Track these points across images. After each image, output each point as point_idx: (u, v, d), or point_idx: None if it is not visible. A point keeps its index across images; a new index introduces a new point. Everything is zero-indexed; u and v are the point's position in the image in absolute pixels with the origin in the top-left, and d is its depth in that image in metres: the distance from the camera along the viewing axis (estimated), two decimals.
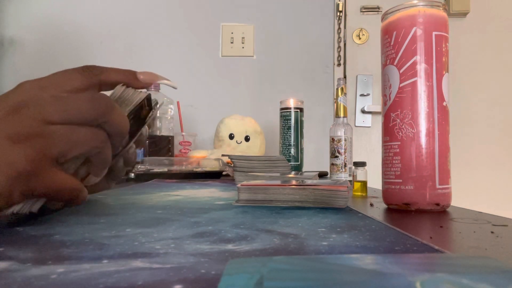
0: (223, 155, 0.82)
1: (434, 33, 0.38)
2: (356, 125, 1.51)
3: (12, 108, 0.25)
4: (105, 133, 0.29)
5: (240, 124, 1.13)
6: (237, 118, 1.15)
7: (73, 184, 0.28)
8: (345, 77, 1.52)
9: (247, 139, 1.13)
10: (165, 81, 0.35)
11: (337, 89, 0.82)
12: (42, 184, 0.26)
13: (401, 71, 0.38)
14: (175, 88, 0.36)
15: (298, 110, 0.96)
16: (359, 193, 0.52)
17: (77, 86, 0.28)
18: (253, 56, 1.55)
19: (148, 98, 0.35)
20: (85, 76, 0.29)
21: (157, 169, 0.84)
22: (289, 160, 0.93)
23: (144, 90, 0.34)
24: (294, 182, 0.43)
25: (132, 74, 0.32)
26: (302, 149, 0.97)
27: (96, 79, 0.30)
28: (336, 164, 0.79)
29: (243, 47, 1.54)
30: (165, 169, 0.86)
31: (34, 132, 0.25)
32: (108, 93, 0.31)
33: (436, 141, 0.37)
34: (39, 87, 0.27)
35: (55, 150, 0.26)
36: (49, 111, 0.25)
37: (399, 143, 0.38)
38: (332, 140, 0.80)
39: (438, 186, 0.37)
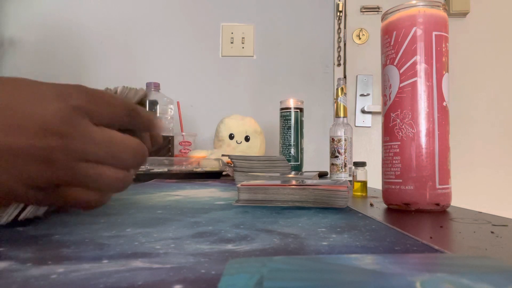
0: (223, 155, 0.82)
1: (434, 33, 0.38)
2: (356, 125, 1.51)
3: (54, 127, 0.23)
4: (131, 177, 0.28)
5: (240, 124, 1.13)
6: (237, 118, 1.15)
7: (95, 197, 0.26)
8: (345, 77, 1.52)
9: (247, 139, 1.13)
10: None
11: (337, 89, 0.82)
12: (60, 197, 0.25)
13: (401, 71, 0.38)
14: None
15: (298, 110, 0.96)
16: (359, 193, 0.52)
17: (114, 115, 0.26)
18: (253, 56, 1.55)
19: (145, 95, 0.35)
20: (124, 111, 0.27)
21: (157, 169, 0.84)
22: (289, 160, 0.93)
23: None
24: (294, 182, 0.43)
25: (153, 124, 0.31)
26: (302, 149, 0.97)
27: (130, 118, 0.28)
28: (336, 164, 0.79)
29: (243, 47, 1.54)
30: (165, 169, 0.86)
31: (68, 165, 0.23)
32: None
33: (436, 141, 0.37)
34: (71, 108, 0.24)
35: (80, 181, 0.24)
36: (91, 150, 0.24)
37: (399, 143, 0.38)
38: (332, 140, 0.80)
39: (438, 186, 0.37)
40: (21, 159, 0.22)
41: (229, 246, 0.21)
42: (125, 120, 0.27)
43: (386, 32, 0.40)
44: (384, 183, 0.40)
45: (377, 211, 0.37)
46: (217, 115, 1.28)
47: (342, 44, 1.53)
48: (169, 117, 1.13)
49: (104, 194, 0.26)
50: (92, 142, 0.24)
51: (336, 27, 1.53)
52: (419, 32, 0.37)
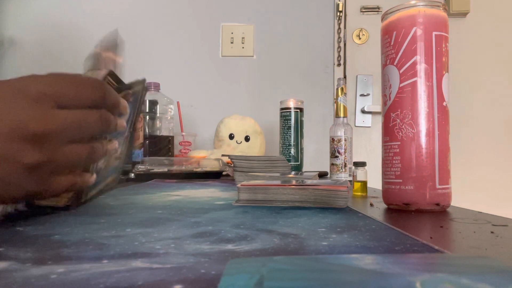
0: (223, 155, 0.82)
1: (434, 33, 0.38)
2: (356, 125, 1.51)
3: (21, 97, 0.26)
4: (109, 113, 0.31)
5: (240, 124, 1.13)
6: (237, 118, 1.15)
7: (87, 147, 0.30)
8: (345, 77, 1.52)
9: (247, 139, 1.13)
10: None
11: (337, 89, 0.82)
12: (64, 157, 0.28)
13: (401, 71, 0.38)
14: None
15: (298, 110, 0.96)
16: (359, 193, 0.52)
17: (86, 103, 0.29)
18: (253, 56, 1.55)
19: (111, 74, 0.35)
20: (95, 95, 0.30)
21: (157, 169, 0.84)
22: (289, 160, 0.93)
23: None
24: (294, 182, 0.43)
25: (120, 102, 0.34)
26: (302, 149, 0.97)
27: (101, 101, 0.31)
28: (336, 164, 0.79)
29: (243, 47, 1.54)
30: (165, 169, 0.86)
31: (48, 118, 0.26)
32: None
33: (436, 141, 0.37)
34: (44, 95, 0.27)
35: (67, 132, 0.27)
36: (59, 98, 0.27)
37: (399, 143, 0.38)
38: (332, 140, 0.80)
39: (438, 186, 0.37)
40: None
41: (229, 246, 0.21)
42: (92, 96, 0.29)
43: (386, 32, 0.40)
44: (384, 183, 0.40)
45: (377, 211, 0.37)
46: (217, 115, 1.28)
47: (342, 44, 1.53)
48: (169, 117, 1.13)
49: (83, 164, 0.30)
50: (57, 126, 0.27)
51: (336, 27, 1.53)
52: (419, 32, 0.37)
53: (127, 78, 0.38)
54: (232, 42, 1.53)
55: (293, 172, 0.77)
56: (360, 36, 1.53)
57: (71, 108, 0.28)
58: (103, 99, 0.30)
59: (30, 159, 0.25)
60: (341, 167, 0.79)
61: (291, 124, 0.95)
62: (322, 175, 0.93)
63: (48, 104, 0.27)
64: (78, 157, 0.29)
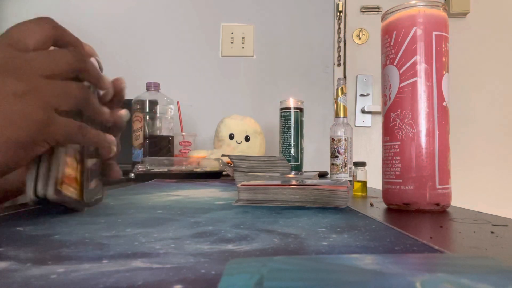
0: (223, 155, 0.82)
1: (434, 33, 0.38)
2: (356, 125, 1.51)
3: (6, 70, 0.27)
4: (87, 85, 0.32)
5: (240, 124, 1.13)
6: (237, 118, 1.15)
7: (77, 122, 0.30)
8: (345, 77, 1.52)
9: (247, 139, 1.13)
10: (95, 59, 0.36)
11: (337, 89, 0.82)
12: (60, 129, 0.28)
13: (401, 71, 0.38)
14: (126, 115, 0.37)
15: (298, 110, 0.96)
16: (359, 193, 0.52)
17: (68, 70, 0.30)
18: (253, 56, 1.55)
19: None
20: (76, 61, 0.30)
21: (157, 169, 0.84)
22: (289, 160, 0.93)
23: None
24: (294, 182, 0.43)
25: (101, 74, 0.34)
26: (302, 149, 0.97)
27: (83, 68, 0.31)
28: (336, 164, 0.79)
29: (243, 47, 1.54)
30: (165, 169, 0.86)
31: (33, 86, 0.27)
32: None
33: (436, 141, 0.37)
34: (7, 45, 0.28)
35: (54, 100, 0.28)
36: (41, 67, 0.28)
37: (399, 143, 0.38)
38: (332, 140, 0.80)
39: (438, 186, 0.37)
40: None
41: (229, 246, 0.21)
42: (74, 67, 0.30)
43: (386, 32, 0.40)
44: (384, 183, 0.40)
45: (377, 211, 0.37)
46: (217, 115, 1.28)
47: (342, 44, 1.53)
48: (169, 117, 1.13)
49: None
50: (37, 61, 0.28)
51: (336, 27, 1.53)
52: (419, 32, 0.37)
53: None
54: (232, 42, 1.53)
55: (293, 172, 0.77)
56: (360, 36, 1.53)
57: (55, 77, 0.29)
58: (84, 69, 0.31)
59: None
60: (341, 167, 0.79)
61: (291, 124, 0.95)
62: (322, 175, 0.93)
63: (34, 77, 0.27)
64: (67, 130, 0.29)
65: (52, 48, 0.31)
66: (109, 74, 0.34)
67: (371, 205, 0.42)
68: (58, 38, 0.31)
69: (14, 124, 0.26)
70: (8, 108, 0.26)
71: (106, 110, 0.34)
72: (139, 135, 1.02)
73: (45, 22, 0.30)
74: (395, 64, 0.39)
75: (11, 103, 0.26)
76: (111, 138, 0.35)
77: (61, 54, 0.29)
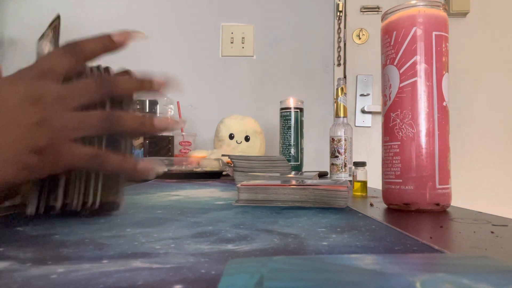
0: (223, 155, 0.82)
1: (434, 33, 0.38)
2: (356, 125, 1.51)
3: (30, 99, 0.28)
4: (114, 111, 0.31)
5: (240, 124, 1.13)
6: (237, 118, 1.15)
7: (92, 151, 0.30)
8: (345, 77, 1.52)
9: (247, 139, 1.13)
10: (139, 35, 0.35)
11: (337, 89, 0.82)
12: (69, 158, 0.29)
13: (401, 71, 0.38)
14: (144, 37, 0.36)
15: (298, 110, 0.96)
16: (359, 193, 0.52)
17: (68, 68, 0.31)
18: (253, 56, 1.55)
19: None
20: (68, 57, 0.31)
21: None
22: (289, 160, 0.93)
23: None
24: (294, 182, 0.43)
25: (108, 39, 0.34)
26: (302, 149, 0.97)
27: (79, 57, 0.32)
28: (336, 164, 0.79)
29: (243, 47, 1.54)
30: (165, 169, 0.86)
31: (54, 117, 0.28)
32: None
33: (436, 141, 0.37)
34: (38, 77, 0.29)
35: (68, 130, 0.29)
36: (65, 101, 0.29)
37: (399, 143, 0.38)
38: (332, 140, 0.80)
39: (438, 186, 0.37)
40: (10, 126, 0.27)
41: (229, 246, 0.21)
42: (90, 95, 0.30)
43: (386, 32, 0.40)
44: (384, 183, 0.40)
45: (377, 211, 0.37)
46: (217, 115, 1.28)
47: (342, 44, 1.53)
48: (169, 117, 1.13)
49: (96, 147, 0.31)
50: (61, 96, 0.29)
51: (336, 27, 1.53)
52: (419, 32, 0.37)
53: None
54: (232, 42, 1.53)
55: (293, 172, 0.77)
56: (360, 36, 1.53)
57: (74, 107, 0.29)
58: (111, 92, 0.31)
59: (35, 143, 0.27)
60: (341, 167, 0.79)
61: (291, 124, 0.95)
62: (322, 175, 0.93)
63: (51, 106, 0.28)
64: (79, 158, 0.29)
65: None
66: None
67: (371, 205, 0.42)
68: (87, 58, 0.32)
69: (19, 147, 0.27)
70: (19, 132, 0.27)
71: (144, 121, 0.33)
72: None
73: (71, 50, 0.31)
74: (395, 64, 0.39)
75: (26, 130, 0.27)
76: (137, 163, 0.33)
77: (83, 85, 0.30)
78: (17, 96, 0.28)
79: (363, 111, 1.51)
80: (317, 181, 0.48)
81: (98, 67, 0.35)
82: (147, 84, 0.34)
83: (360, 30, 1.53)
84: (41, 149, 0.27)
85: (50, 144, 0.28)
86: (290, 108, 0.96)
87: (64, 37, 1.57)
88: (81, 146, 0.30)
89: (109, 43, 0.34)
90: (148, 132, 0.34)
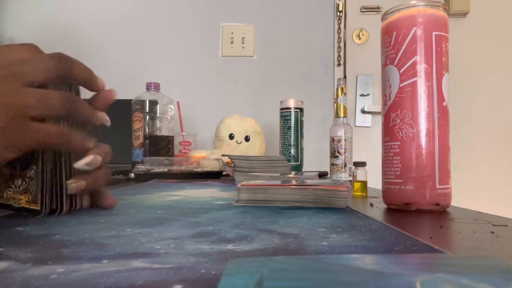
0: (223, 155, 0.82)
1: (434, 33, 0.38)
2: (356, 125, 1.51)
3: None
4: (73, 94, 0.31)
5: (240, 124, 1.13)
6: (237, 118, 1.15)
7: (58, 129, 0.30)
8: (345, 77, 1.52)
9: (247, 139, 1.13)
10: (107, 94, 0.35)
11: (337, 89, 0.82)
12: (31, 135, 0.28)
13: (401, 71, 0.38)
14: (106, 122, 0.36)
15: (298, 110, 0.96)
16: (359, 193, 0.52)
17: (50, 76, 0.30)
18: (253, 56, 1.55)
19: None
20: (58, 67, 0.30)
21: (157, 169, 0.84)
22: (289, 160, 0.93)
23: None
24: (294, 182, 0.43)
25: (93, 76, 0.34)
26: (302, 149, 0.97)
27: (67, 72, 0.31)
28: (336, 164, 0.79)
29: (243, 47, 1.54)
30: (165, 169, 0.86)
31: (12, 92, 0.27)
32: None
33: (436, 141, 0.37)
34: (16, 77, 0.28)
35: (27, 108, 0.28)
36: (26, 77, 0.28)
37: (399, 143, 0.38)
38: (332, 140, 0.80)
39: (438, 186, 0.37)
40: None
41: (229, 246, 0.21)
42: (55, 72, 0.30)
43: (386, 32, 0.40)
44: (384, 183, 0.40)
45: (377, 211, 0.37)
46: (217, 115, 1.28)
47: (342, 44, 1.53)
48: (169, 117, 1.13)
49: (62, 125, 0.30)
50: (22, 72, 0.28)
51: (336, 27, 1.53)
52: (419, 32, 0.37)
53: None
54: (232, 42, 1.53)
55: (293, 172, 0.77)
56: (360, 36, 1.53)
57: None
58: (69, 74, 0.31)
59: None
60: (341, 167, 0.79)
61: (291, 124, 0.95)
62: (322, 175, 0.93)
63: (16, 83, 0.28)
64: (45, 135, 0.29)
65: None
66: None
67: (371, 205, 0.42)
68: (70, 76, 0.31)
69: None
70: None
71: (95, 113, 0.34)
72: (139, 135, 1.02)
73: (61, 61, 0.31)
74: (395, 64, 0.39)
75: None
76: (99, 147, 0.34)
77: (43, 61, 0.30)
78: None
79: (363, 111, 1.51)
80: (317, 181, 0.48)
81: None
82: (94, 80, 0.34)
83: (360, 30, 1.53)
84: (2, 128, 0.27)
85: (10, 121, 0.27)
86: (290, 108, 0.96)
87: (65, 37, 1.57)
88: (45, 124, 0.29)
89: (91, 81, 0.34)
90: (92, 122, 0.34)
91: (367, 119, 1.51)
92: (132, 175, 0.83)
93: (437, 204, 0.37)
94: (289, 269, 0.13)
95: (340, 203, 0.37)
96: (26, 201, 0.32)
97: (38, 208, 0.31)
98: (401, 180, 0.38)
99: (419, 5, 0.38)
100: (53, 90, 0.30)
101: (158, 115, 1.07)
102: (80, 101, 0.31)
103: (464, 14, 1.49)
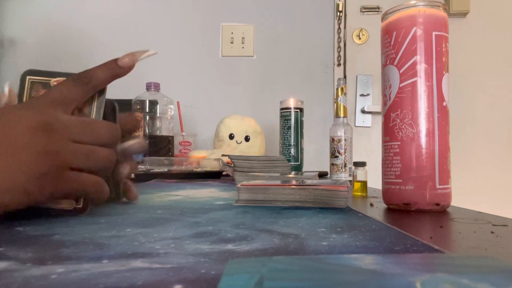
0: (223, 155, 0.82)
1: (434, 33, 0.38)
2: (356, 125, 1.51)
3: (39, 127, 0.28)
4: (115, 154, 0.33)
5: (240, 124, 1.13)
6: (237, 118, 1.15)
7: (95, 179, 0.31)
8: (345, 77, 1.52)
9: (247, 139, 1.13)
10: (145, 55, 0.36)
11: (337, 89, 0.82)
12: (62, 184, 0.29)
13: (401, 71, 0.38)
14: (154, 53, 0.36)
15: (298, 110, 0.96)
16: (359, 193, 0.52)
17: (77, 98, 0.32)
18: (253, 56, 1.55)
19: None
20: (79, 87, 0.32)
21: (157, 169, 0.84)
22: (289, 160, 0.93)
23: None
24: (294, 182, 0.43)
25: (115, 65, 0.34)
26: (302, 149, 0.97)
27: (89, 86, 0.32)
28: (336, 164, 0.79)
29: (243, 47, 1.54)
30: (165, 169, 0.86)
31: (61, 147, 0.28)
32: None
33: (436, 141, 0.37)
34: (50, 105, 0.30)
35: (75, 161, 0.29)
36: (75, 132, 0.30)
37: (399, 143, 0.38)
38: (332, 140, 0.80)
39: (438, 186, 0.37)
40: (18, 151, 0.27)
41: (229, 246, 0.21)
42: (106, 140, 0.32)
43: (386, 32, 0.40)
44: (384, 183, 0.40)
45: (377, 211, 0.37)
46: (217, 115, 1.28)
47: (342, 44, 1.53)
48: (169, 117, 1.13)
49: (99, 173, 0.31)
50: (73, 127, 0.30)
51: (336, 27, 1.53)
52: (419, 32, 0.37)
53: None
54: (232, 42, 1.53)
55: (293, 172, 0.77)
56: (360, 36, 1.53)
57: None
58: (116, 143, 0.33)
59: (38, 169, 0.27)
60: (341, 167, 0.79)
61: (291, 124, 0.95)
62: (322, 175, 0.93)
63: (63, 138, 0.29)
64: (81, 185, 0.30)
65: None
66: None
67: (371, 205, 0.42)
68: (95, 88, 0.33)
69: (22, 173, 0.27)
70: (24, 158, 0.27)
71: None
72: (139, 135, 1.02)
73: (79, 79, 0.32)
74: (395, 64, 0.39)
75: (31, 157, 0.27)
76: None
77: (98, 127, 0.31)
78: (25, 122, 0.28)
79: (363, 111, 1.51)
80: (317, 181, 0.48)
81: (111, 105, 0.36)
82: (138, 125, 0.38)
83: (360, 30, 1.53)
84: (43, 175, 0.27)
85: (52, 171, 0.28)
86: (290, 108, 0.96)
87: (65, 37, 1.58)
88: (84, 174, 0.30)
89: (116, 69, 0.34)
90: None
91: (367, 119, 1.51)
92: (132, 175, 0.83)
93: (437, 204, 0.37)
94: (289, 269, 0.13)
95: (340, 203, 0.37)
96: (68, 202, 0.32)
97: (81, 206, 0.32)
98: (401, 180, 0.38)
99: (419, 5, 0.38)
100: (101, 149, 0.31)
101: (158, 115, 1.07)
102: (123, 164, 0.35)
103: (464, 14, 1.49)
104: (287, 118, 0.96)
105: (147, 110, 1.04)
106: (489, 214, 0.34)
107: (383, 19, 0.41)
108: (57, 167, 0.28)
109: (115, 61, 0.34)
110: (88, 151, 0.30)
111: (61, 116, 0.29)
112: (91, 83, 0.32)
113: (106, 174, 0.33)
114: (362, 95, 1.51)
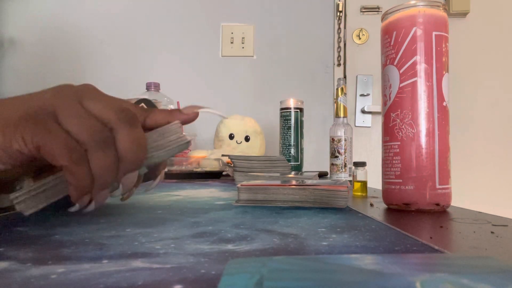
0: (223, 155, 0.82)
1: (434, 33, 0.38)
2: (356, 125, 1.51)
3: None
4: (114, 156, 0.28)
5: (240, 124, 1.13)
6: (237, 118, 1.15)
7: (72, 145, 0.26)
8: (345, 77, 1.52)
9: (247, 139, 1.13)
10: (208, 110, 0.35)
11: (337, 89, 0.82)
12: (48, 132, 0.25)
13: (401, 71, 0.38)
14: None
15: (298, 110, 0.96)
16: (359, 193, 0.52)
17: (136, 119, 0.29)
18: (253, 56, 1.55)
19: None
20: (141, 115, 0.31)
21: None
22: (289, 160, 0.93)
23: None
24: (294, 182, 0.43)
25: (177, 112, 0.33)
26: (302, 149, 0.97)
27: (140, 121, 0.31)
28: (336, 164, 0.79)
29: (243, 47, 1.54)
30: (165, 169, 0.86)
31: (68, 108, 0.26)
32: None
33: (436, 141, 0.37)
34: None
35: (71, 123, 0.26)
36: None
37: (399, 143, 0.38)
38: (332, 140, 0.80)
39: (438, 186, 0.37)
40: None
41: (229, 246, 0.21)
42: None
43: (386, 32, 0.40)
44: (384, 183, 0.40)
45: (377, 211, 0.37)
46: (217, 115, 1.28)
47: (342, 44, 1.53)
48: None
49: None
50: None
51: (336, 27, 1.53)
52: (419, 32, 0.37)
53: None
54: (232, 42, 1.53)
55: (293, 172, 0.77)
56: (360, 36, 1.53)
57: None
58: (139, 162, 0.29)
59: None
60: (341, 167, 0.79)
61: (291, 124, 0.95)
62: (322, 175, 0.93)
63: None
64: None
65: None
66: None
67: (371, 205, 0.42)
68: (147, 126, 0.32)
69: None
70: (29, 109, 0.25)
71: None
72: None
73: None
74: (395, 64, 0.39)
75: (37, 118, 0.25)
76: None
77: (125, 150, 0.27)
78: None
79: (363, 111, 1.51)
80: (317, 181, 0.48)
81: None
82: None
83: (360, 30, 1.53)
84: (39, 145, 0.24)
85: (40, 115, 0.25)
86: (290, 108, 0.95)
87: (65, 37, 1.57)
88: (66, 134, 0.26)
89: (175, 117, 0.34)
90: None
91: (367, 119, 1.51)
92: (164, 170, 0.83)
93: (437, 204, 0.37)
94: (289, 269, 0.13)
95: (340, 203, 0.37)
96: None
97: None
98: (401, 180, 0.38)
99: (419, 5, 0.38)
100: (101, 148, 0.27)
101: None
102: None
103: (464, 14, 1.49)
104: (287, 118, 0.96)
105: None
106: (489, 214, 0.34)
107: (383, 19, 0.41)
108: (48, 114, 0.25)
109: (178, 111, 0.34)
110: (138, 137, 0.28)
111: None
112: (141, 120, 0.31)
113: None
114: (362, 95, 1.51)
